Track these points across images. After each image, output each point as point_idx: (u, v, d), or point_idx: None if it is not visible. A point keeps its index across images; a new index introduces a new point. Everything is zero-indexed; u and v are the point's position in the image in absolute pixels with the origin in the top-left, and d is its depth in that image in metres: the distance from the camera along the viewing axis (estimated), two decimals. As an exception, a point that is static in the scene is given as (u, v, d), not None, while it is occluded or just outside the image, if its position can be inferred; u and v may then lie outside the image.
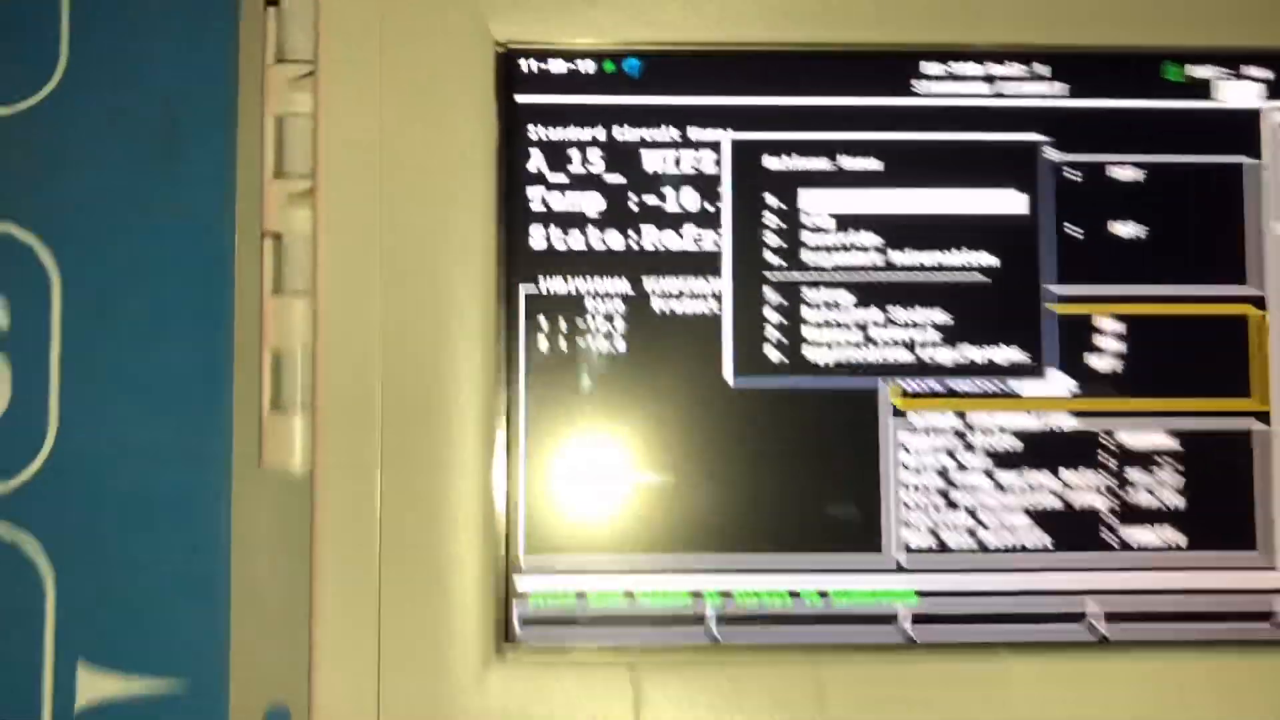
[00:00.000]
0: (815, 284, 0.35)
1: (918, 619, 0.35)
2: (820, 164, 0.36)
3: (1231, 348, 0.35)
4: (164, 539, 0.36)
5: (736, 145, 0.35)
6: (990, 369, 0.35)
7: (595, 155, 0.35)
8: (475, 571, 0.34)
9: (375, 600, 0.33)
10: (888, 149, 0.36)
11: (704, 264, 0.35)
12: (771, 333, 0.35)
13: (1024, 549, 0.35)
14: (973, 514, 0.35)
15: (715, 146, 0.35)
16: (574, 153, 0.35)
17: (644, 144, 0.35)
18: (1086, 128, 0.36)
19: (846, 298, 0.35)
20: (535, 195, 0.35)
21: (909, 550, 0.35)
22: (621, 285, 0.35)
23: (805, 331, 0.35)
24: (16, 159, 0.36)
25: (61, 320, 0.36)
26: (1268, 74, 0.36)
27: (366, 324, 0.34)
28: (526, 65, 0.35)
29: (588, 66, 0.36)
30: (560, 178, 0.35)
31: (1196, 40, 0.35)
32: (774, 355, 0.35)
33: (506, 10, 0.35)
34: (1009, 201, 0.36)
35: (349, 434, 0.34)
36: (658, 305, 0.35)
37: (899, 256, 0.36)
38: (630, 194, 0.35)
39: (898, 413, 0.35)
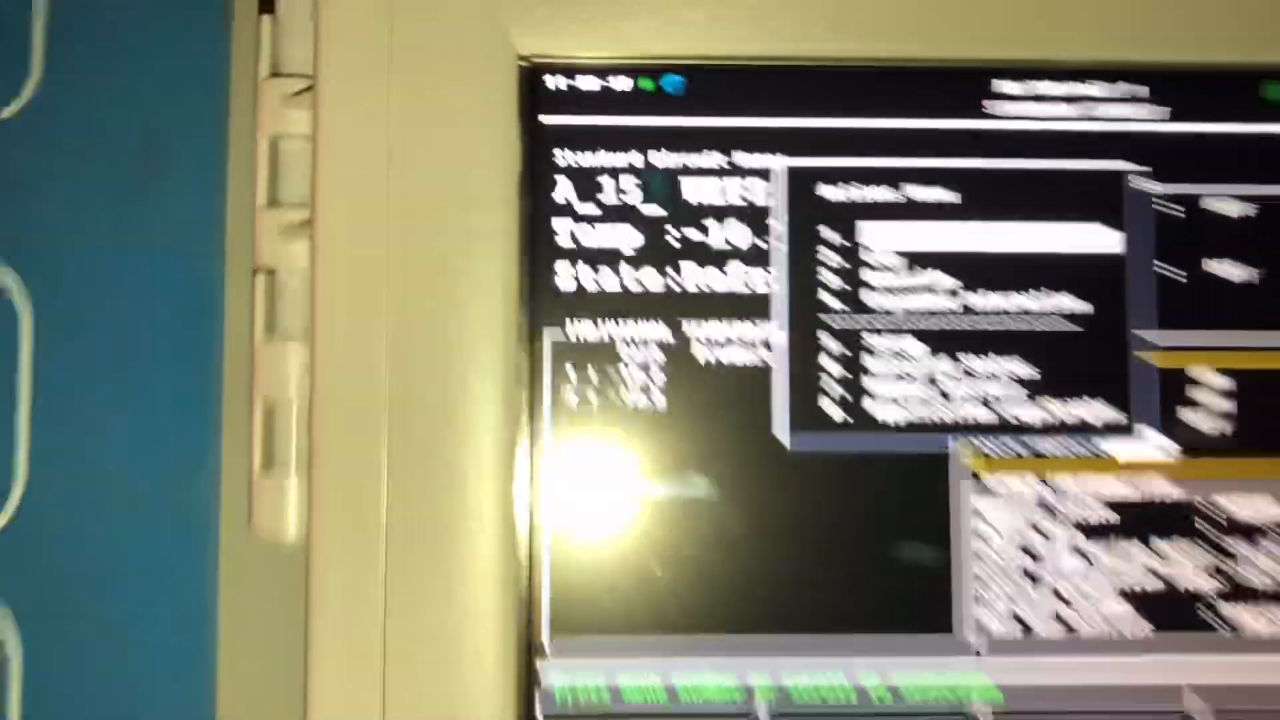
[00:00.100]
0: (880, 330, 0.33)
1: (999, 717, 0.32)
2: (885, 194, 0.33)
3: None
4: (144, 609, 0.34)
5: (790, 172, 0.33)
6: (1077, 428, 0.33)
7: (630, 184, 0.33)
8: (493, 659, 0.31)
9: (379, 688, 0.31)
10: (961, 177, 0.33)
11: (753, 307, 0.33)
12: (830, 385, 0.33)
13: (1118, 635, 0.32)
14: (1058, 594, 0.32)
15: (766, 174, 0.33)
16: (606, 181, 0.33)
17: (686, 171, 0.33)
18: (1180, 154, 0.33)
19: (915, 346, 0.33)
20: (563, 229, 0.33)
21: (986, 635, 0.32)
22: (660, 331, 0.33)
23: (868, 384, 0.33)
24: (-18, 181, 0.34)
25: (31, 362, 0.34)
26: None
27: (371, 374, 0.31)
28: (553, 82, 0.33)
29: (622, 83, 0.33)
30: (591, 209, 0.33)
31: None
32: (833, 411, 0.33)
33: (531, 20, 0.32)
34: (1097, 238, 0.33)
35: (350, 499, 0.31)
36: (701, 354, 0.33)
37: (974, 299, 0.33)
38: (670, 228, 0.33)
39: (973, 477, 0.32)
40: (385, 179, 0.32)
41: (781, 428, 0.32)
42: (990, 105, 0.33)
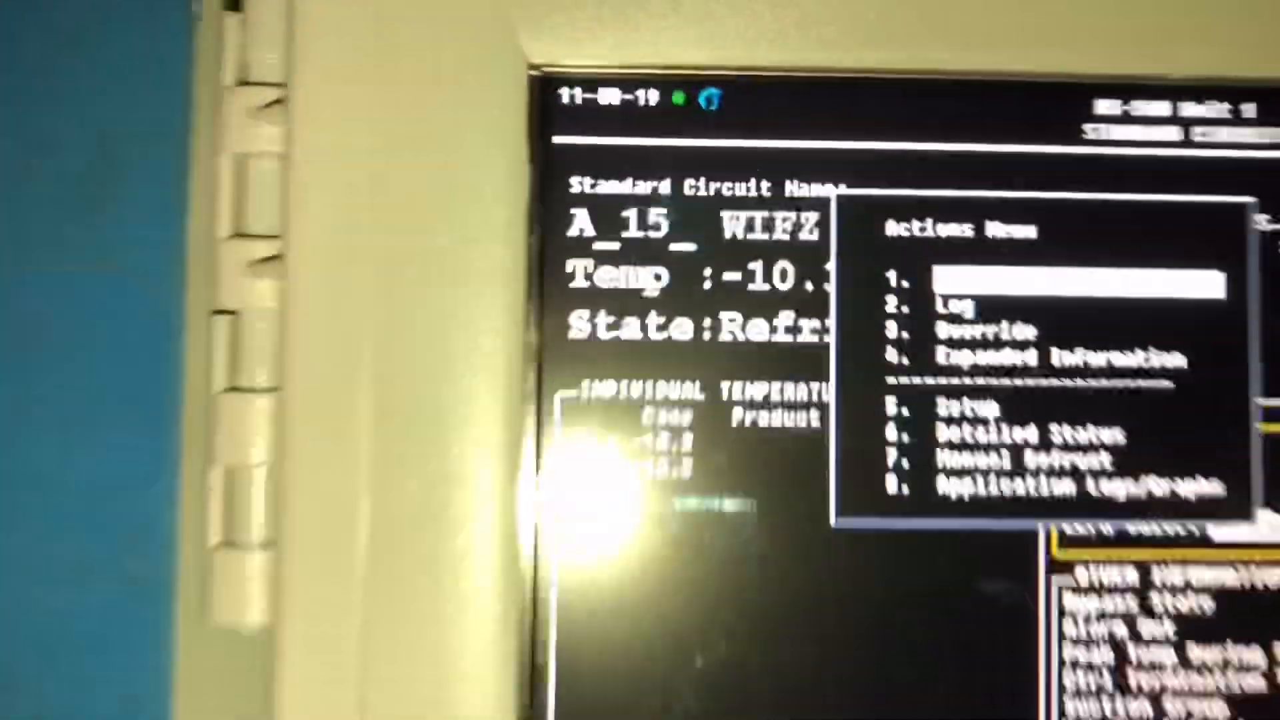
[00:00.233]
0: (952, 392, 0.30)
1: None
2: (960, 231, 0.30)
3: None
4: (89, 691, 0.32)
5: (848, 204, 0.30)
6: (1181, 508, 0.30)
7: (659, 216, 0.30)
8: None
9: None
10: (1049, 213, 0.30)
11: (803, 364, 0.30)
12: (893, 456, 0.30)
13: (1228, 754, 0.30)
14: (1156, 701, 0.30)
15: (821, 206, 0.30)
16: (631, 213, 0.30)
17: (724, 201, 0.30)
18: (1304, 186, 0.30)
19: (992, 410, 0.30)
20: (578, 269, 0.30)
21: (1075, 753, 0.30)
22: (691, 391, 0.30)
23: (939, 456, 0.30)
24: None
25: (-36, 409, 0.32)
26: None
27: (349, 437, 0.28)
28: (569, 95, 0.30)
29: (650, 97, 0.30)
30: (612, 245, 0.30)
31: None
32: (895, 487, 0.30)
33: (544, 22, 0.29)
34: (1208, 285, 0.30)
35: (323, 583, 0.28)
36: (740, 418, 0.30)
37: (1062, 356, 0.30)
38: (705, 268, 0.30)
39: (1058, 566, 0.29)
40: (369, 208, 0.29)
41: (834, 507, 0.30)
42: (1089, 129, 0.30)
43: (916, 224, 0.30)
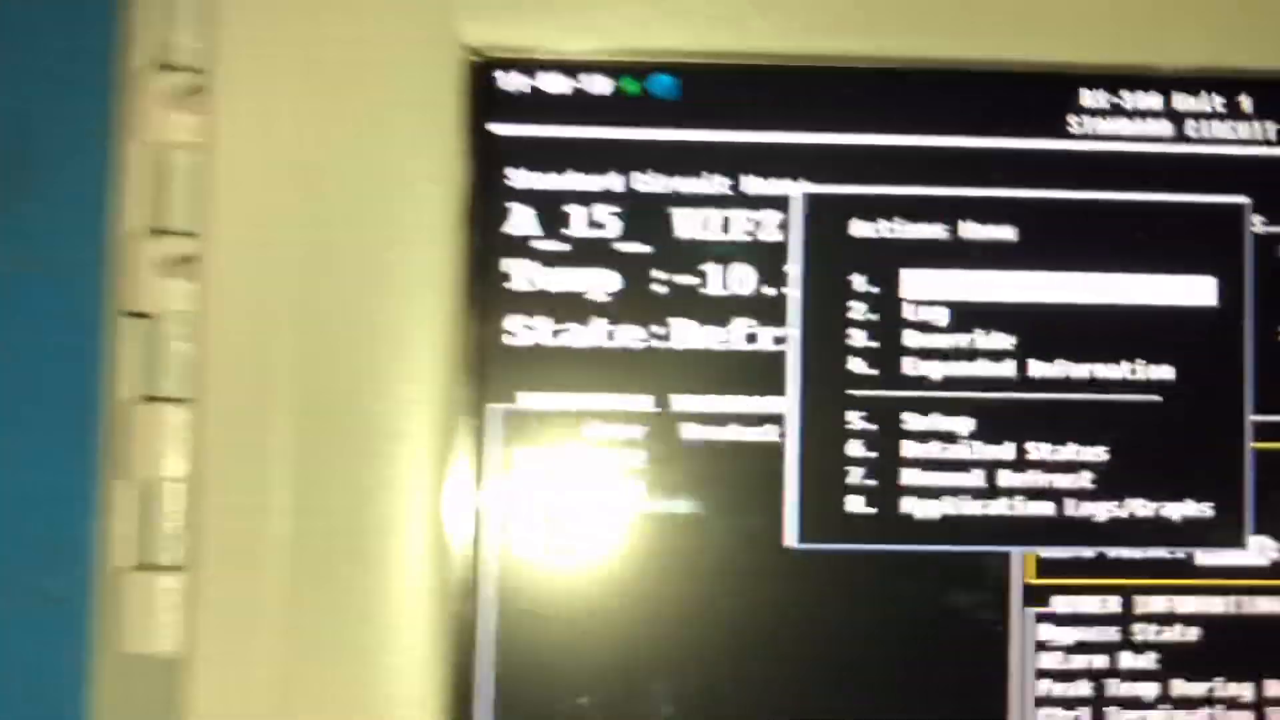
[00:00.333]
0: (921, 406, 0.29)
1: None
2: (932, 232, 0.29)
3: None
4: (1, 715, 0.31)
5: (812, 202, 0.29)
6: (1167, 532, 0.29)
7: (606, 214, 0.29)
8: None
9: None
10: (1029, 212, 0.29)
11: (761, 374, 0.29)
12: (856, 475, 0.29)
13: (1217, 800, 0.29)
14: None
15: (781, 204, 0.29)
16: (575, 210, 0.29)
17: (678, 199, 0.29)
18: (1294, 185, 0.30)
19: (965, 425, 0.29)
20: (518, 271, 0.29)
21: (1050, 799, 0.29)
22: (641, 403, 0.29)
23: (905, 475, 0.29)
24: None
25: None
26: None
27: (269, 449, 0.28)
28: (509, 82, 0.29)
29: (598, 84, 0.29)
30: (555, 245, 0.29)
31: None
32: (858, 508, 0.29)
33: (482, 1, 0.28)
34: (1200, 291, 0.30)
35: (239, 608, 0.27)
36: (691, 433, 0.29)
37: (1041, 368, 0.29)
38: (656, 271, 0.29)
39: (1034, 594, 0.29)
40: (293, 204, 0.28)
41: (793, 529, 0.29)
42: (1074, 122, 0.30)
43: (885, 224, 0.29)
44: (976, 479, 0.29)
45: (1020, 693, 0.28)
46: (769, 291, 0.29)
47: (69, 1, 0.32)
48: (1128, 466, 0.29)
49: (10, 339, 0.31)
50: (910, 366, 0.29)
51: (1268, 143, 0.29)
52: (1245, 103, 0.29)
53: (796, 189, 0.29)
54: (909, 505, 0.29)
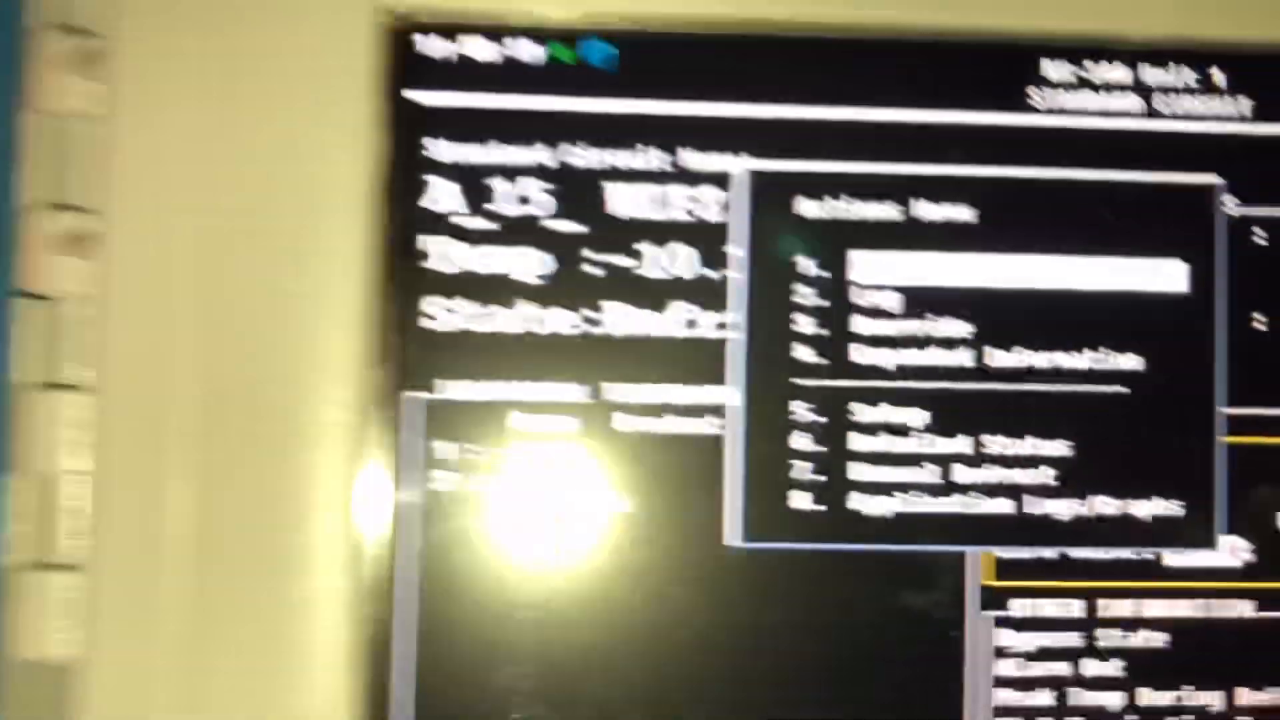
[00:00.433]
0: (871, 396, 0.28)
1: None
2: (884, 212, 0.28)
3: None
4: None
5: (757, 180, 0.28)
6: (1134, 532, 0.28)
7: (535, 189, 0.28)
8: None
9: None
10: (987, 191, 0.28)
11: (701, 362, 0.28)
12: (802, 471, 0.28)
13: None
14: None
15: (723, 181, 0.28)
16: (501, 185, 0.28)
17: (613, 174, 0.28)
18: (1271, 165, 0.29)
19: (918, 417, 0.28)
20: (438, 250, 0.28)
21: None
22: (572, 393, 0.28)
23: (854, 470, 0.28)
24: None
25: None
26: None
27: (173, 441, 0.27)
28: (429, 46, 0.28)
29: (528, 51, 0.28)
30: (478, 223, 0.28)
31: None
32: (804, 505, 0.28)
33: None
34: (1169, 276, 0.29)
35: (138, 614, 0.26)
36: (625, 424, 0.28)
37: (999, 357, 0.28)
38: (588, 251, 0.28)
39: (991, 596, 0.28)
40: (199, 178, 0.27)
41: (734, 527, 0.28)
42: (1035, 95, 0.29)
43: (833, 203, 0.28)
44: (930, 474, 0.28)
45: (976, 702, 0.28)
46: (710, 274, 0.28)
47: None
48: (1092, 462, 0.28)
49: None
50: (860, 355, 0.28)
51: (1241, 119, 0.29)
52: (1218, 76, 0.29)
53: (739, 165, 0.28)
54: (858, 502, 0.28)
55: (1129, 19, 0.28)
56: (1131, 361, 0.28)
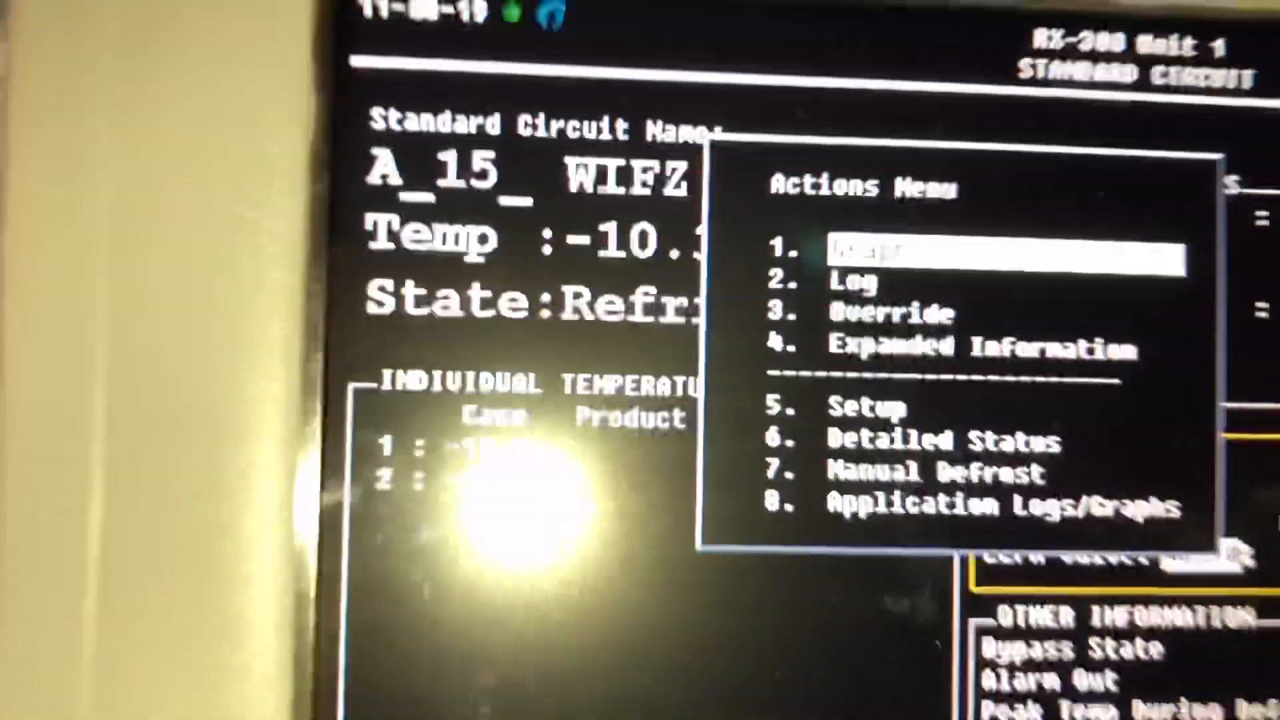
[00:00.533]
0: (848, 388, 0.27)
1: None
2: (862, 188, 0.27)
3: None
4: None
5: (724, 152, 0.27)
6: (1128, 535, 0.27)
7: (485, 161, 0.26)
8: None
9: None
10: (973, 167, 0.27)
11: (667, 351, 0.26)
12: (775, 467, 0.27)
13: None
14: None
15: (690, 153, 0.27)
16: (449, 156, 0.26)
17: (569, 145, 0.27)
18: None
19: (898, 411, 0.27)
20: (381, 225, 0.26)
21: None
22: (523, 383, 0.26)
23: (831, 468, 0.27)
24: None
25: None
26: None
27: (86, 438, 0.25)
28: (371, 5, 0.26)
29: (476, 10, 0.26)
30: (425, 196, 0.26)
31: None
32: (776, 504, 0.27)
33: None
34: (1166, 260, 0.28)
35: (51, 630, 0.24)
36: (586, 417, 0.26)
37: (985, 346, 0.27)
38: (545, 229, 0.26)
39: (977, 603, 0.27)
40: (113, 150, 0.25)
41: (701, 529, 0.26)
42: (1025, 66, 0.28)
43: (809, 178, 0.27)
44: (911, 473, 0.27)
45: (963, 717, 0.26)
46: (675, 255, 0.26)
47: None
48: (1083, 459, 0.27)
49: None
50: (836, 343, 0.27)
51: (1243, 93, 0.28)
52: (1219, 47, 0.28)
53: (707, 136, 0.27)
54: (835, 503, 0.27)
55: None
56: (1125, 351, 0.27)
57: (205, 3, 0.25)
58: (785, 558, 0.26)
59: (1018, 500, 0.27)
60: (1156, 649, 0.27)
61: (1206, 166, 0.27)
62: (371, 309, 0.25)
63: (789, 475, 0.26)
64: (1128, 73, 0.28)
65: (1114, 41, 0.28)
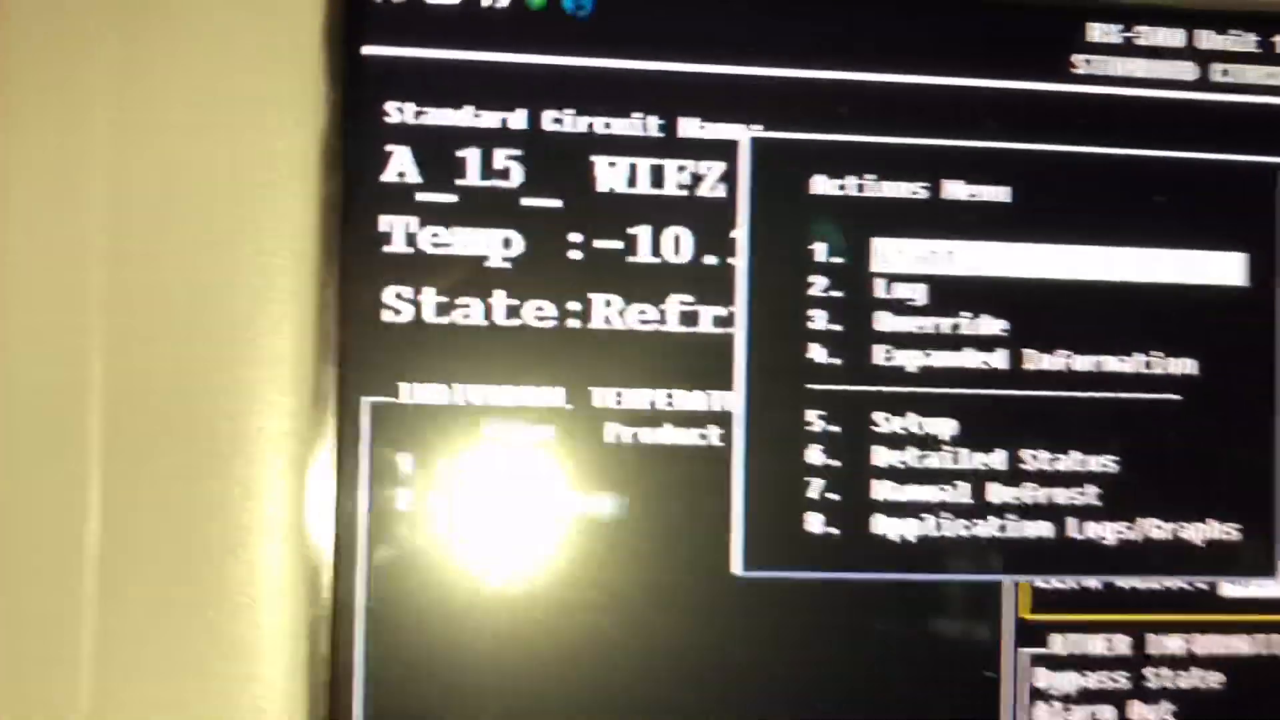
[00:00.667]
0: (894, 404, 0.26)
1: None
2: (909, 191, 0.26)
3: None
4: None
5: (764, 151, 0.26)
6: (1186, 559, 0.27)
7: (507, 159, 0.25)
8: None
9: None
10: (1026, 169, 0.27)
11: (701, 363, 0.26)
12: (817, 489, 0.26)
13: None
14: None
15: (727, 152, 0.26)
16: (470, 153, 0.25)
17: (599, 142, 0.26)
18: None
19: (947, 428, 0.26)
20: (396, 228, 0.25)
21: None
22: (552, 397, 0.25)
23: (876, 489, 0.26)
24: None
25: None
26: None
27: (84, 448, 0.24)
28: None
29: None
30: (445, 197, 0.25)
31: None
32: (819, 528, 0.26)
33: None
34: (1226, 269, 0.27)
35: (48, 643, 0.24)
36: (615, 433, 0.25)
37: (1037, 360, 0.27)
38: (572, 233, 0.26)
39: (1029, 631, 0.26)
40: (113, 147, 0.24)
41: (739, 553, 0.25)
42: (1080, 62, 0.27)
43: (853, 180, 0.26)
44: (961, 493, 0.26)
45: None
46: (711, 261, 0.26)
47: None
48: (1140, 480, 0.27)
49: None
50: (881, 356, 0.26)
51: None
52: None
53: (745, 134, 0.26)
54: (880, 525, 0.26)
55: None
56: (1185, 365, 0.26)
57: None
58: (829, 584, 0.25)
59: (1072, 523, 0.26)
60: (1215, 678, 0.27)
61: (1269, 169, 0.27)
62: (387, 317, 0.25)
63: (831, 496, 0.25)
64: (1186, 70, 0.27)
65: (1172, 36, 0.27)
